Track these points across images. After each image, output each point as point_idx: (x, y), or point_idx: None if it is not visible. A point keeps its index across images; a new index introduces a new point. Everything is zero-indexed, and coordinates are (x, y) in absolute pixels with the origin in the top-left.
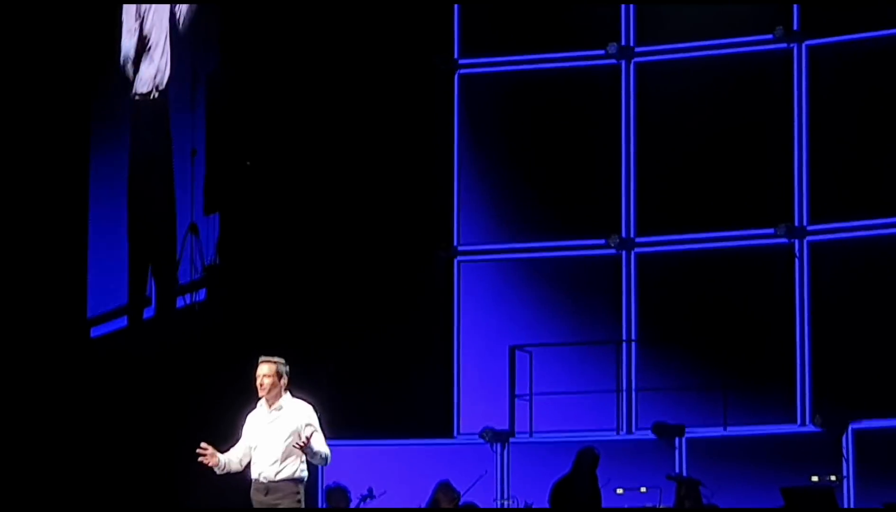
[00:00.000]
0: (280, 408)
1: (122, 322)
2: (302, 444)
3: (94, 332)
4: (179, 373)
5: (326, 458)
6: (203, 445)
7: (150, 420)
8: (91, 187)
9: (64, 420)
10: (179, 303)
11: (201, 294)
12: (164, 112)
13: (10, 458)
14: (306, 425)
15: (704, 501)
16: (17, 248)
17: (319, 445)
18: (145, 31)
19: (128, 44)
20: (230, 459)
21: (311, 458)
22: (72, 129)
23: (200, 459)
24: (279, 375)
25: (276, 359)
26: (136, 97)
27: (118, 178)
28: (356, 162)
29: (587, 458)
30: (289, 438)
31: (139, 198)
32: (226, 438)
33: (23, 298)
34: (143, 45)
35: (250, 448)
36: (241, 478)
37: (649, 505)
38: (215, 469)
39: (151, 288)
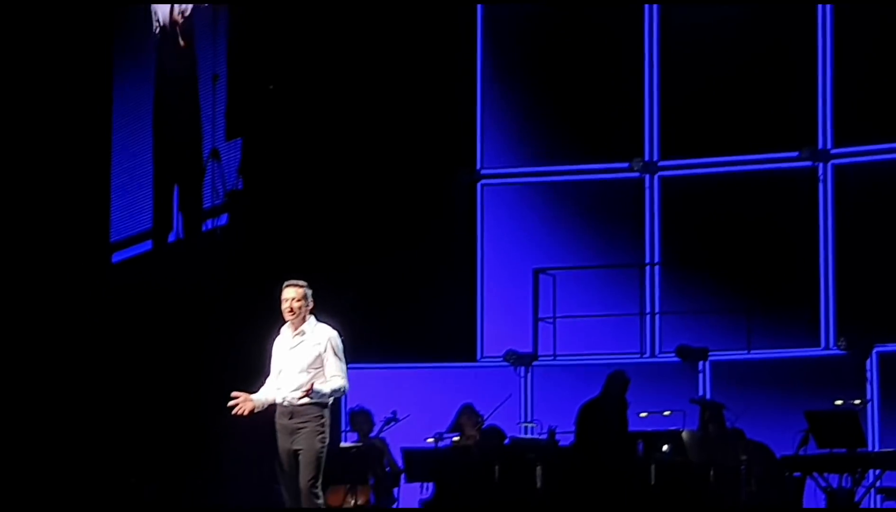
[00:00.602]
0: (304, 332)
1: (146, 246)
2: (306, 391)
3: (117, 257)
4: (202, 297)
5: (341, 389)
6: (234, 394)
7: (172, 346)
8: (115, 113)
9: (85, 346)
10: (202, 227)
11: (223, 219)
12: (189, 36)
13: (32, 387)
14: (328, 350)
15: (728, 424)
16: (41, 173)
17: (332, 380)
18: None
19: None
20: (267, 394)
21: (322, 398)
22: (95, 54)
23: (235, 411)
24: (305, 299)
25: (301, 282)
26: (160, 22)
27: (142, 103)
28: (380, 85)
29: (617, 381)
30: (313, 361)
31: (164, 122)
32: (249, 364)
33: (46, 223)
34: None
35: (278, 373)
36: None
37: (673, 428)
38: (255, 411)
39: (175, 212)
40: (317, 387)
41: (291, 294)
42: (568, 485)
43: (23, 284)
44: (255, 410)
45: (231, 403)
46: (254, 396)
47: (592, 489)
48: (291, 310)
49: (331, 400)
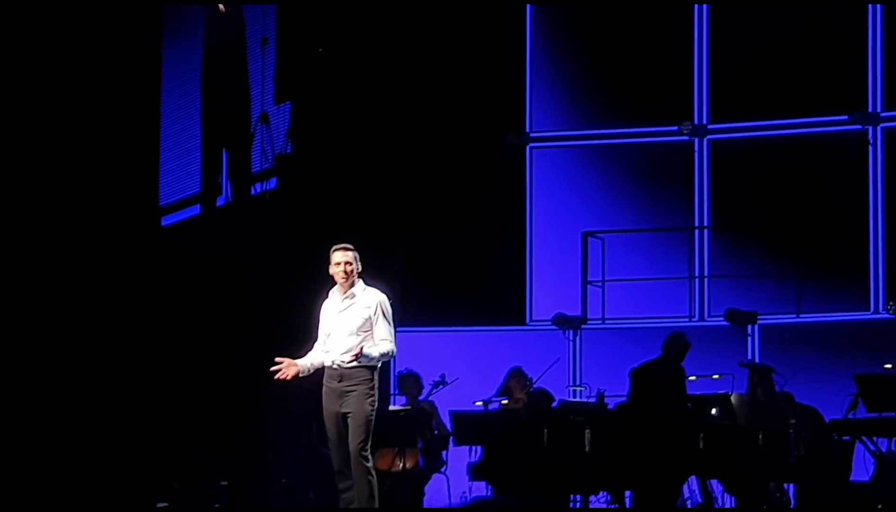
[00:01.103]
0: (354, 295)
1: (195, 210)
2: (355, 355)
3: (166, 220)
4: (250, 261)
5: (390, 353)
6: (277, 359)
7: (219, 309)
8: (164, 76)
9: (135, 307)
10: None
11: (272, 183)
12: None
13: (82, 349)
14: (378, 313)
15: (777, 388)
16: (90, 136)
17: (381, 343)
18: None
19: None
20: (314, 358)
21: (372, 362)
22: (144, 20)
23: (278, 376)
24: (356, 262)
25: (349, 246)
26: None
27: (191, 66)
28: (430, 48)
29: (677, 344)
30: (362, 324)
31: (212, 87)
32: (297, 326)
33: (95, 186)
34: None
35: (327, 336)
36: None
37: (721, 392)
38: (299, 376)
39: (224, 177)
40: (366, 350)
41: (344, 257)
42: (617, 448)
43: (76, 246)
44: (300, 375)
45: (274, 368)
46: (298, 361)
47: (643, 452)
48: (345, 273)
49: (379, 363)
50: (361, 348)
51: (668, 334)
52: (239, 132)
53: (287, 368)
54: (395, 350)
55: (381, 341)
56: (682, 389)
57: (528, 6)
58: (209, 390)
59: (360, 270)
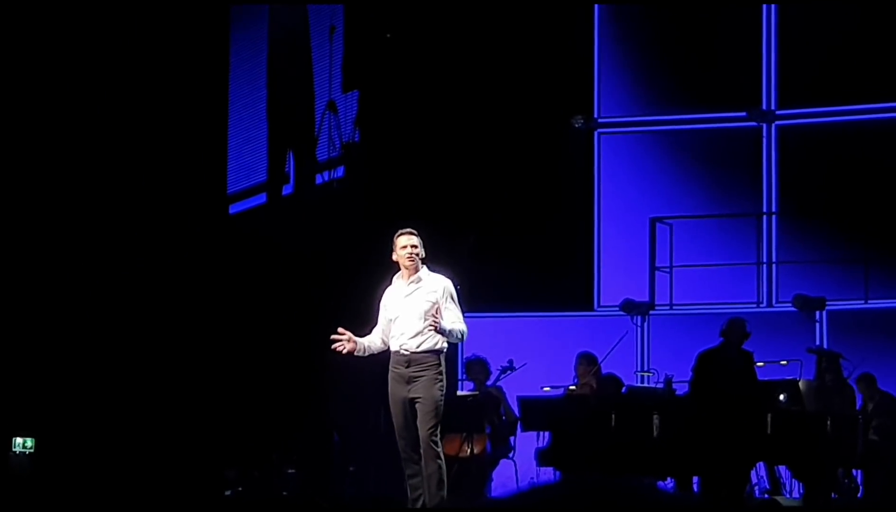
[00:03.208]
0: (420, 280)
1: (261, 199)
2: (433, 323)
3: (233, 208)
4: (316, 249)
5: (462, 334)
6: (340, 330)
7: (288, 295)
8: (232, 67)
9: (204, 292)
10: (318, 180)
11: (339, 171)
12: None
13: (152, 333)
14: (445, 298)
15: (845, 373)
16: (159, 124)
17: (454, 322)
18: None
19: None
20: (371, 341)
21: (447, 336)
22: (212, 12)
23: (335, 346)
24: (420, 247)
25: (414, 231)
26: None
27: (258, 55)
28: (496, 33)
29: (735, 329)
30: (429, 309)
31: (278, 75)
32: (362, 313)
33: (164, 174)
34: None
35: (389, 322)
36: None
37: (789, 378)
38: (355, 354)
39: (291, 165)
40: (443, 324)
41: (409, 241)
42: (684, 433)
43: (148, 234)
44: (355, 353)
45: (334, 337)
46: (358, 339)
47: (710, 437)
48: (411, 257)
49: (446, 346)
50: (436, 317)
51: (727, 320)
52: (304, 121)
53: (347, 342)
54: (466, 331)
55: (453, 323)
56: (753, 374)
57: None
58: (276, 379)
59: (423, 255)
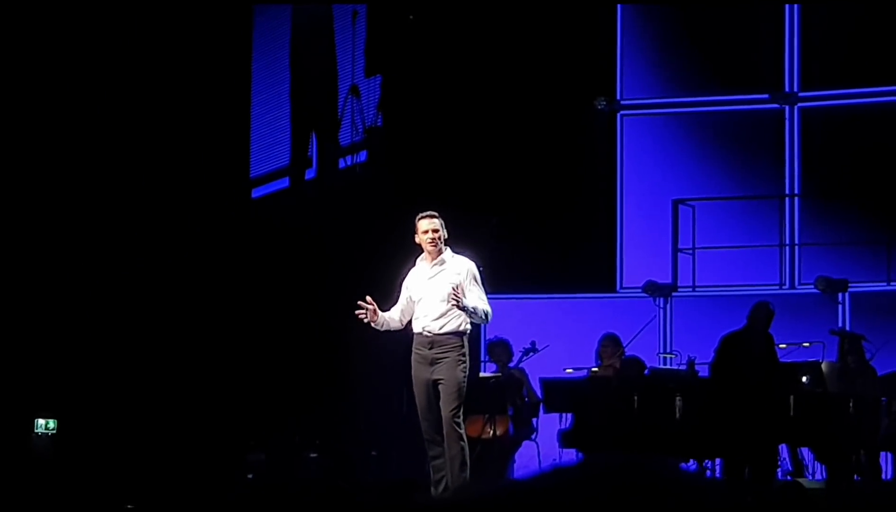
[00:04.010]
0: (443, 262)
1: (284, 183)
2: (457, 301)
3: (256, 192)
4: (338, 233)
5: (486, 314)
6: (368, 298)
7: (311, 279)
8: (254, 49)
9: (226, 276)
10: (340, 164)
11: (362, 155)
12: None
13: (173, 316)
14: (469, 280)
15: (868, 355)
16: (182, 109)
17: (478, 301)
18: None
19: None
20: (391, 317)
21: (471, 316)
22: None
23: (359, 313)
24: (442, 229)
25: (435, 213)
26: None
27: (281, 39)
28: (520, 16)
29: (761, 313)
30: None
31: (301, 59)
32: (386, 296)
33: (187, 158)
34: None
35: (410, 302)
36: (402, 335)
37: (812, 360)
38: (373, 325)
39: (313, 149)
40: (468, 300)
41: (431, 224)
42: (707, 415)
43: (171, 218)
44: (373, 325)
45: (361, 302)
46: (380, 312)
47: (733, 419)
48: (433, 240)
49: (469, 328)
50: (459, 293)
51: (754, 303)
52: (327, 106)
53: (371, 313)
54: (491, 312)
55: (479, 303)
56: (774, 357)
57: None
58: (298, 363)
59: (446, 237)
